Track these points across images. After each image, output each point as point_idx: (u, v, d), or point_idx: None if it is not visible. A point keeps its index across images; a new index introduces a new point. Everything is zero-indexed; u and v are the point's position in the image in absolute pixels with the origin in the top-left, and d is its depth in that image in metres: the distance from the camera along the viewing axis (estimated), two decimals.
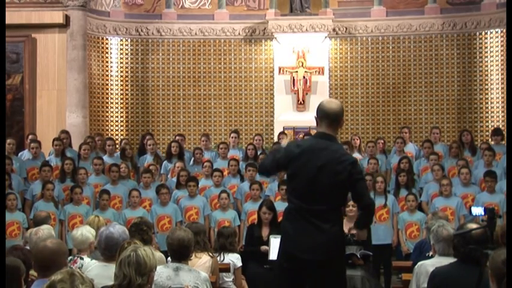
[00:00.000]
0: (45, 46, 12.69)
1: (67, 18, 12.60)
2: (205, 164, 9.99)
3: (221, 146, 10.72)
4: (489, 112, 13.10)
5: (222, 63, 13.78)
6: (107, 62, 13.43)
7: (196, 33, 13.74)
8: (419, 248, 6.87)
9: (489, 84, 13.10)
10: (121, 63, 13.55)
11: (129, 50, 13.61)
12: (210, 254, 6.05)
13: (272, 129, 13.30)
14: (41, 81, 12.67)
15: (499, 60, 12.91)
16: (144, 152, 10.86)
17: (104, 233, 4.84)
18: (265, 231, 7.82)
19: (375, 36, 13.65)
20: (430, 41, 13.54)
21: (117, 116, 13.48)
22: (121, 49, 13.55)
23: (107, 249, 4.78)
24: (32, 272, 4.32)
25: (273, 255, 6.78)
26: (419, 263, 4.96)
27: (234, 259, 6.69)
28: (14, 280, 3.81)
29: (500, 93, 12.93)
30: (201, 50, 13.79)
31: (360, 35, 13.64)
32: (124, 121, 13.53)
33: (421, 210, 9.13)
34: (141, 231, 5.71)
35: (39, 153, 10.19)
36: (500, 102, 12.91)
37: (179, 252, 4.94)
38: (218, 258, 6.49)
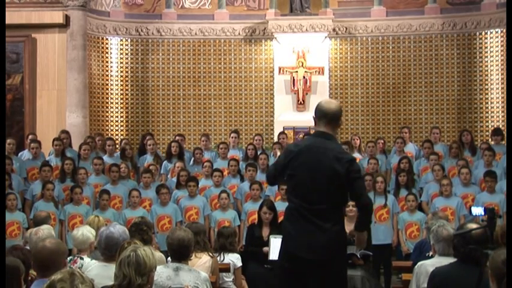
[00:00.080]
0: (45, 46, 12.69)
1: (67, 18, 12.60)
2: (205, 164, 9.99)
3: (221, 146, 10.72)
4: (489, 112, 13.10)
5: (222, 63, 13.78)
6: (107, 62, 13.43)
7: (196, 33, 13.74)
8: (419, 248, 6.87)
9: (489, 84, 13.10)
10: (121, 63, 13.55)
11: (129, 50, 13.61)
12: (210, 254, 6.05)
13: (272, 129, 13.31)
14: (41, 81, 12.67)
15: (499, 60, 12.91)
16: (144, 152, 10.85)
17: (104, 232, 4.84)
18: (265, 231, 7.82)
19: (375, 36, 13.65)
20: (430, 41, 13.55)
21: (117, 116, 13.48)
22: (121, 49, 13.55)
23: (107, 249, 4.77)
24: (32, 271, 4.32)
25: (273, 255, 6.79)
26: (419, 263, 4.96)
27: (234, 259, 6.69)
28: (14, 280, 3.81)
29: (500, 93, 12.93)
30: (201, 50, 13.79)
31: (360, 35, 13.64)
32: (124, 121, 13.53)
33: (421, 210, 9.14)
34: (141, 231, 5.71)
35: (39, 153, 10.19)
36: (500, 102, 12.91)
37: (179, 252, 4.94)
38: (218, 258, 6.49)
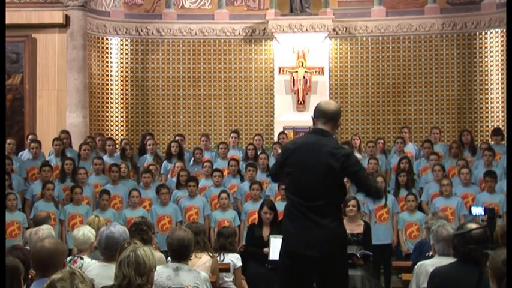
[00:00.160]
0: (45, 46, 12.69)
1: (67, 18, 12.60)
2: (205, 164, 9.99)
3: (221, 146, 10.72)
4: (489, 112, 13.10)
5: (222, 63, 13.78)
6: (107, 62, 13.43)
7: (196, 33, 13.74)
8: (419, 248, 6.87)
9: (489, 84, 13.10)
10: (121, 63, 13.55)
11: (129, 50, 13.61)
12: (210, 254, 6.04)
13: (272, 129, 13.30)
14: (41, 81, 12.67)
15: (499, 60, 12.91)
16: (144, 152, 10.85)
17: (105, 232, 4.84)
18: (265, 231, 7.81)
19: (375, 36, 13.65)
20: (430, 41, 13.54)
21: (117, 116, 13.48)
22: (121, 49, 13.55)
23: (107, 249, 4.77)
24: (33, 271, 4.32)
25: (273, 255, 6.78)
26: (419, 263, 4.95)
27: (234, 259, 6.69)
28: (13, 280, 3.81)
29: (500, 93, 12.93)
30: (201, 50, 13.79)
31: (360, 35, 13.64)
32: (124, 121, 13.53)
33: (421, 210, 9.14)
34: (141, 231, 5.71)
35: (39, 153, 10.19)
36: (500, 102, 12.91)
37: (179, 252, 4.94)
38: (218, 258, 6.49)
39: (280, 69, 13.21)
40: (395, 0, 13.65)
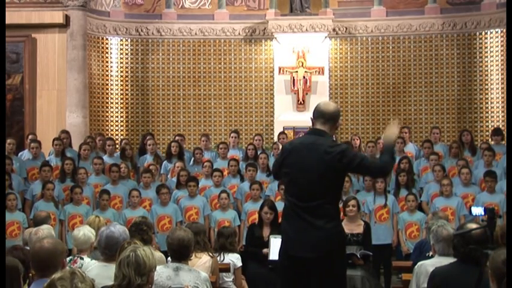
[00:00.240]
0: (45, 46, 12.69)
1: (67, 18, 12.60)
2: (205, 164, 9.99)
3: (221, 146, 10.72)
4: (489, 112, 13.10)
5: (222, 63, 13.78)
6: (107, 62, 13.43)
7: (196, 33, 13.74)
8: (419, 248, 6.87)
9: (489, 84, 13.10)
10: (121, 63, 13.55)
11: (129, 50, 13.61)
12: (210, 254, 6.04)
13: (272, 129, 13.30)
14: (41, 81, 12.67)
15: (499, 60, 12.91)
16: (144, 152, 10.85)
17: (105, 232, 4.83)
18: (266, 231, 7.81)
19: (375, 36, 13.65)
20: (430, 41, 13.54)
21: (117, 116, 13.48)
22: (121, 49, 13.55)
23: (107, 249, 4.76)
24: (33, 271, 4.32)
25: (273, 255, 6.78)
26: (419, 263, 4.95)
27: (234, 259, 6.69)
28: (13, 280, 3.81)
29: (500, 93, 12.93)
30: (201, 50, 13.79)
31: (360, 35, 13.64)
32: (124, 121, 13.53)
33: (421, 210, 9.14)
34: (141, 231, 5.71)
35: (39, 153, 10.19)
36: (500, 102, 12.91)
37: (179, 252, 4.94)
38: (218, 258, 6.49)
39: (280, 69, 13.21)
40: (395, 0, 13.65)
